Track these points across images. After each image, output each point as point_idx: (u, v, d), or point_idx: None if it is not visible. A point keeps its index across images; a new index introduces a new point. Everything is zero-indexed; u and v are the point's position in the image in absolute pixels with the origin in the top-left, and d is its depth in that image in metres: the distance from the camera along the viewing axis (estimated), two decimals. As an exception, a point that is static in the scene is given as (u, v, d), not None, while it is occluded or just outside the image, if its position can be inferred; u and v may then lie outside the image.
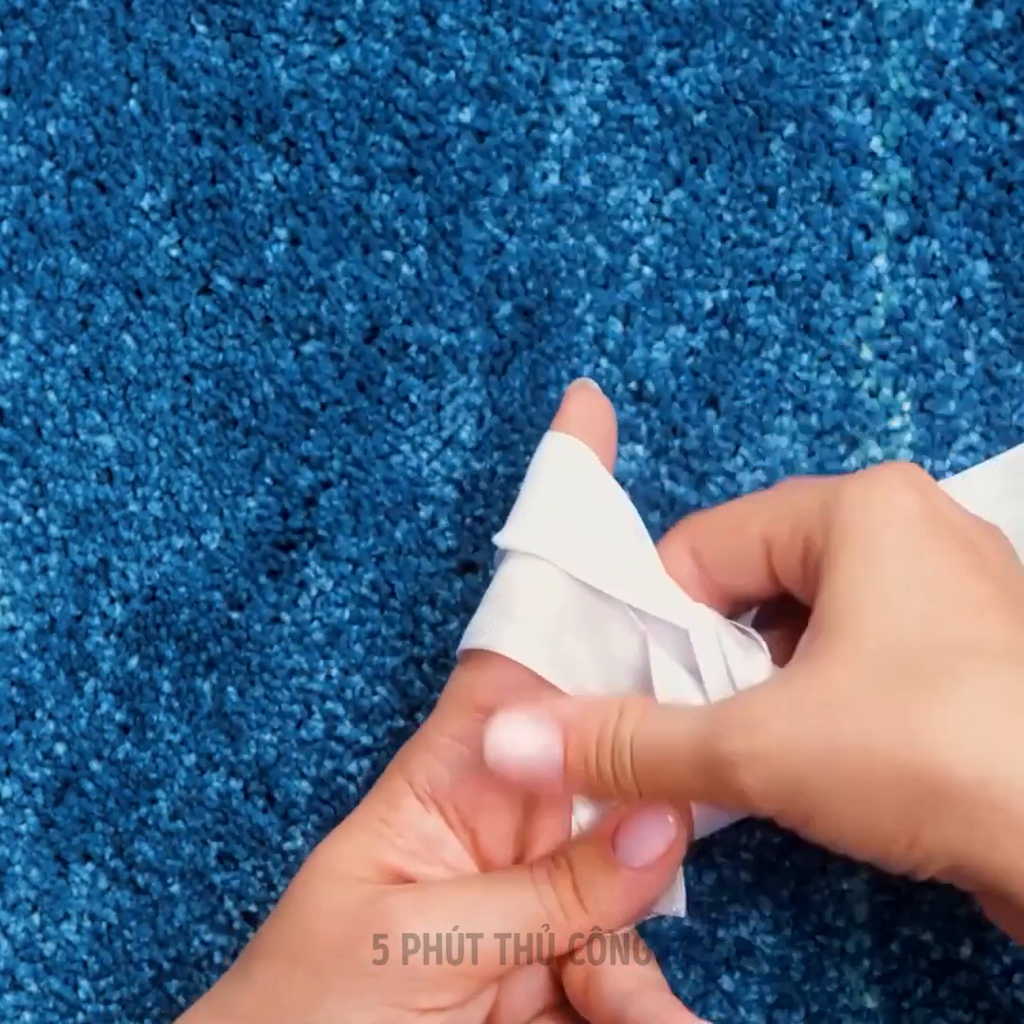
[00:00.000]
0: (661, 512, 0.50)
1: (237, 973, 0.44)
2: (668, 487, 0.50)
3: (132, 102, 0.51)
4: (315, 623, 0.50)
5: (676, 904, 0.45)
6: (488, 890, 0.43)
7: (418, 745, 0.45)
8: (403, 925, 0.41)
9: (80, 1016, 0.50)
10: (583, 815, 0.45)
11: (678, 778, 0.40)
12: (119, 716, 0.50)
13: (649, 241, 0.50)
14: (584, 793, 0.44)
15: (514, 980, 0.45)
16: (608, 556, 0.44)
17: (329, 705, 0.50)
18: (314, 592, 0.50)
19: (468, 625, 0.45)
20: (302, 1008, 0.42)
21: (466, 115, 0.50)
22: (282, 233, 0.51)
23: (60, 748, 0.51)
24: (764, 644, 0.45)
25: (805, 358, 0.50)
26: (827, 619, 0.40)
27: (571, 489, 0.45)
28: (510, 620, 0.44)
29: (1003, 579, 0.41)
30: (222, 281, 0.51)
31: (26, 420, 0.51)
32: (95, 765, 0.50)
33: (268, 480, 0.51)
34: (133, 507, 0.51)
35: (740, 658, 0.44)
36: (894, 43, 0.50)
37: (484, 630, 0.44)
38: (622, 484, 0.50)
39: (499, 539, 0.44)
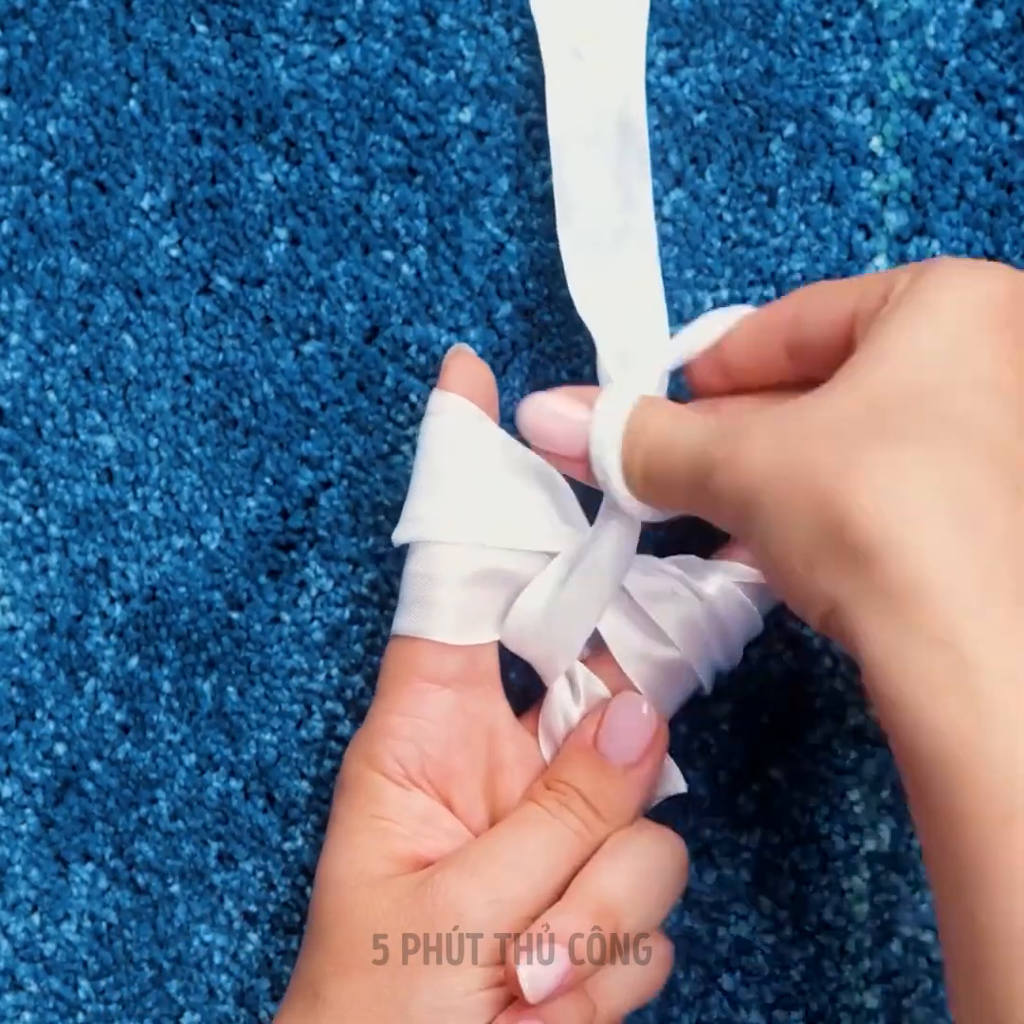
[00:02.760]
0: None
1: (304, 1004, 0.43)
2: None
3: (132, 102, 0.51)
4: (315, 623, 0.50)
5: (675, 783, 0.46)
6: (519, 835, 0.44)
7: (374, 733, 0.45)
8: (462, 894, 0.42)
9: (80, 1016, 0.50)
10: (547, 753, 0.46)
11: (674, 475, 0.41)
12: (119, 716, 0.51)
13: (649, 241, 0.50)
14: (585, 478, 0.45)
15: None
16: (508, 507, 0.45)
17: (329, 705, 0.50)
18: (314, 592, 0.50)
19: (397, 608, 0.46)
20: (397, 1005, 0.42)
21: (466, 115, 0.50)
22: (282, 233, 0.51)
23: (60, 748, 0.51)
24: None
25: (805, 358, 0.50)
26: (854, 359, 0.40)
27: (462, 447, 0.46)
28: (429, 603, 0.45)
29: None
30: (222, 281, 0.51)
31: (26, 420, 0.51)
32: (95, 765, 0.50)
33: (268, 480, 0.51)
34: (133, 507, 0.51)
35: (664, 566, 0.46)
36: (894, 43, 0.50)
37: (408, 615, 0.45)
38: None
39: (395, 537, 0.45)
